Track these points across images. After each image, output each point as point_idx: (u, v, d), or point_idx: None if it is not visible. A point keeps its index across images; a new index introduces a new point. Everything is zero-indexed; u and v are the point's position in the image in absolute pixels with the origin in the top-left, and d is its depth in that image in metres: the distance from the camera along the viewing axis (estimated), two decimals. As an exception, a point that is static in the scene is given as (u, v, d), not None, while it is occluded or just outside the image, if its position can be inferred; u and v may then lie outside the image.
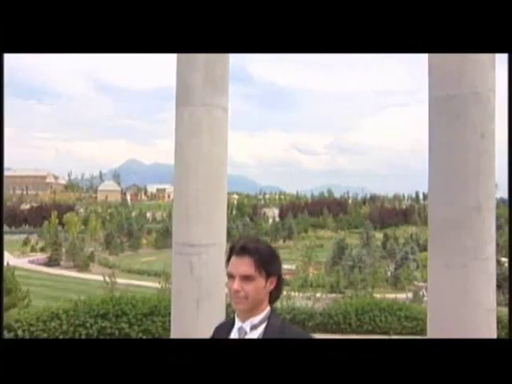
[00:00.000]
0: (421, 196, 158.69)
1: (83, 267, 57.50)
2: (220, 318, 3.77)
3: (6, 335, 7.25)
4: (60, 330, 7.76)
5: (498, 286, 3.42)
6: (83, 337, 7.88)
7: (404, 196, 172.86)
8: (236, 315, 1.84)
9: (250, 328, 1.78)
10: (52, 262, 61.24)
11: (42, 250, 71.78)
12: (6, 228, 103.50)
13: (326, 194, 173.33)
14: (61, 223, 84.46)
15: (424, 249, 61.98)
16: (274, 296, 1.84)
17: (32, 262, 60.40)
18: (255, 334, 1.77)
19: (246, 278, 1.73)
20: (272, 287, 1.81)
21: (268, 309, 1.82)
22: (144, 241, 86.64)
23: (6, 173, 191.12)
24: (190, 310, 3.66)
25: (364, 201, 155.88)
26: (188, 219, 3.65)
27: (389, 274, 47.96)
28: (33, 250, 74.15)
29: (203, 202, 3.65)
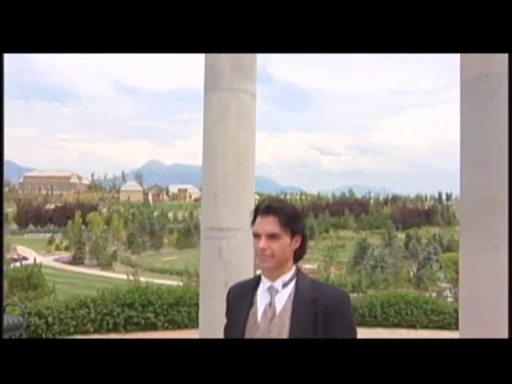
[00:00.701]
0: (444, 197, 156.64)
1: (106, 266, 58.39)
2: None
3: (37, 321, 7.49)
4: (88, 318, 7.94)
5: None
6: (110, 325, 8.04)
7: (426, 196, 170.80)
8: (262, 275, 1.86)
9: (281, 286, 1.81)
10: (76, 261, 62.40)
11: (67, 248, 73.21)
12: (31, 227, 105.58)
13: (347, 195, 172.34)
14: (84, 223, 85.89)
15: (447, 249, 61.17)
16: (298, 255, 1.87)
17: (57, 260, 61.69)
18: (286, 292, 1.80)
19: (272, 237, 1.77)
20: (297, 246, 1.85)
21: (294, 267, 1.86)
22: (166, 240, 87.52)
23: (31, 173, 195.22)
24: (219, 294, 3.66)
25: (386, 201, 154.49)
26: (216, 203, 3.67)
27: (411, 274, 47.40)
28: (57, 248, 75.68)
29: (231, 186, 3.66)
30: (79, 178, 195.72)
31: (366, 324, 8.98)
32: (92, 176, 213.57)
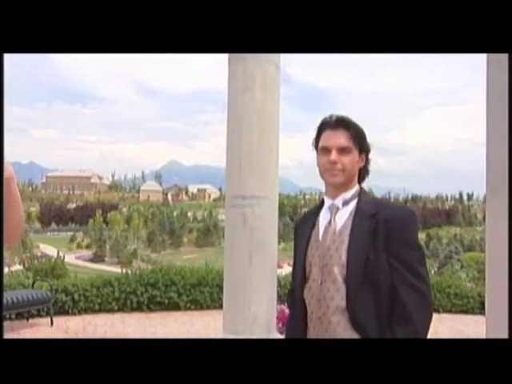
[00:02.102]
0: (465, 197, 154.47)
1: (126, 263, 58.77)
2: (272, 270, 3.82)
3: (64, 298, 7.70)
4: (112, 297, 8.09)
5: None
6: (134, 304, 8.18)
7: (447, 196, 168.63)
8: (325, 196, 1.83)
9: (342, 203, 1.77)
10: (97, 259, 63.29)
11: (88, 247, 74.17)
12: (53, 226, 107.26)
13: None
14: (105, 222, 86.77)
15: (469, 249, 60.17)
16: (362, 174, 1.82)
17: (78, 258, 62.61)
18: (347, 210, 1.75)
19: (343, 150, 1.72)
20: (362, 164, 1.80)
21: (357, 186, 1.81)
22: (185, 239, 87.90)
23: (54, 173, 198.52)
24: (243, 261, 3.71)
25: (406, 201, 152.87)
26: (241, 171, 3.70)
27: (432, 272, 46.82)
28: (79, 246, 76.76)
29: (256, 155, 3.70)
30: (100, 178, 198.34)
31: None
32: (112, 176, 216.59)
